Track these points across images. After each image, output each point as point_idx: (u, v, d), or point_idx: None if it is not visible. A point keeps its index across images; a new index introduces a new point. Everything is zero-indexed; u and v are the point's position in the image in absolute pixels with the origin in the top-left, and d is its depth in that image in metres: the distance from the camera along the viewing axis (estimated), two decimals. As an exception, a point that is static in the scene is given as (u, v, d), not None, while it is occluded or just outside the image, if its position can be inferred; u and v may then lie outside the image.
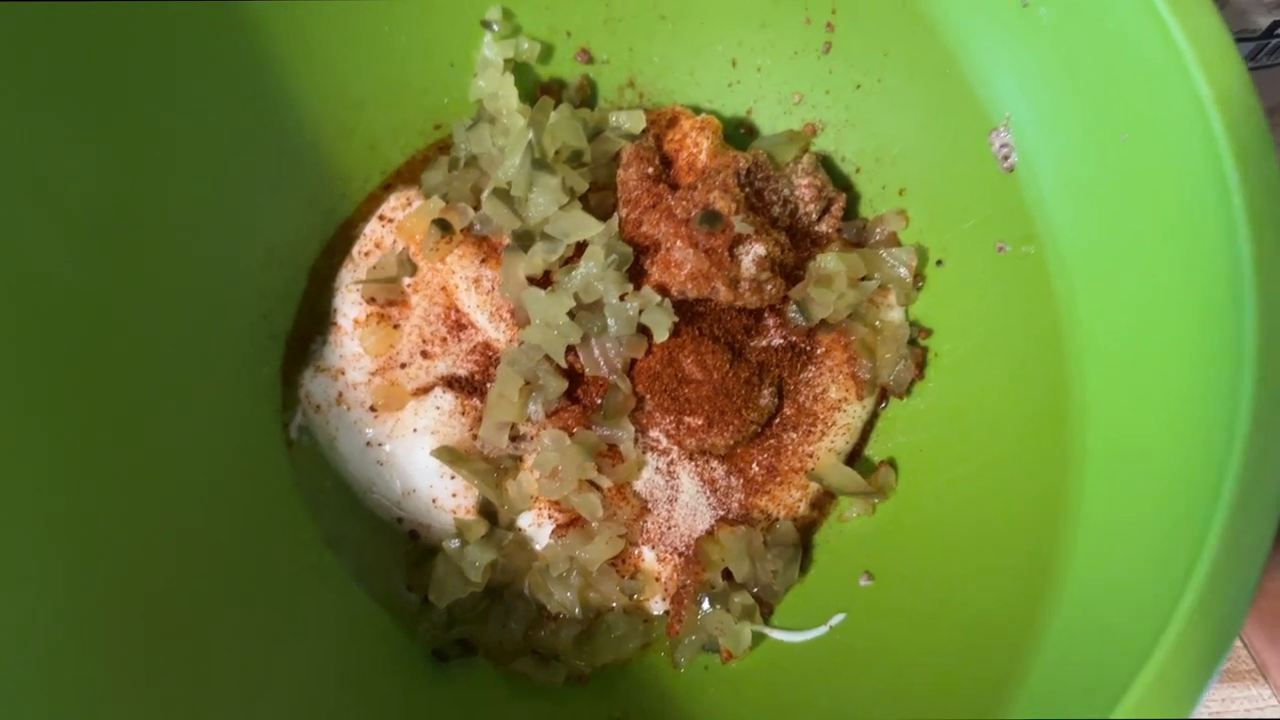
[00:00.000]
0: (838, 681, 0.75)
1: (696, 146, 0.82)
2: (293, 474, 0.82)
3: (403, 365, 0.81)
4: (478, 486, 0.78)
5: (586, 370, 0.77)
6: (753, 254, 0.76)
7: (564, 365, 0.77)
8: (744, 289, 0.76)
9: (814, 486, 0.81)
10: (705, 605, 0.78)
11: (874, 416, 0.84)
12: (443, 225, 0.80)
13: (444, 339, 0.81)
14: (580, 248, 0.77)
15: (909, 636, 0.73)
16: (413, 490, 0.80)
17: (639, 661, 0.80)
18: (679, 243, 0.75)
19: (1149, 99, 0.67)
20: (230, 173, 0.82)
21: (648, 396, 0.77)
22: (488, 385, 0.80)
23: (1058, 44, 0.70)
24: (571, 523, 0.78)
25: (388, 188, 0.89)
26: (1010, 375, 0.76)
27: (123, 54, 0.73)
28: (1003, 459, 0.75)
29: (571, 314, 0.74)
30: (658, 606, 0.80)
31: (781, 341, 0.80)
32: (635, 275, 0.77)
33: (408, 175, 0.90)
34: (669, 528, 0.79)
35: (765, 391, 0.78)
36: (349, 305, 0.83)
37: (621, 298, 0.75)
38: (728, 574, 0.79)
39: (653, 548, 0.79)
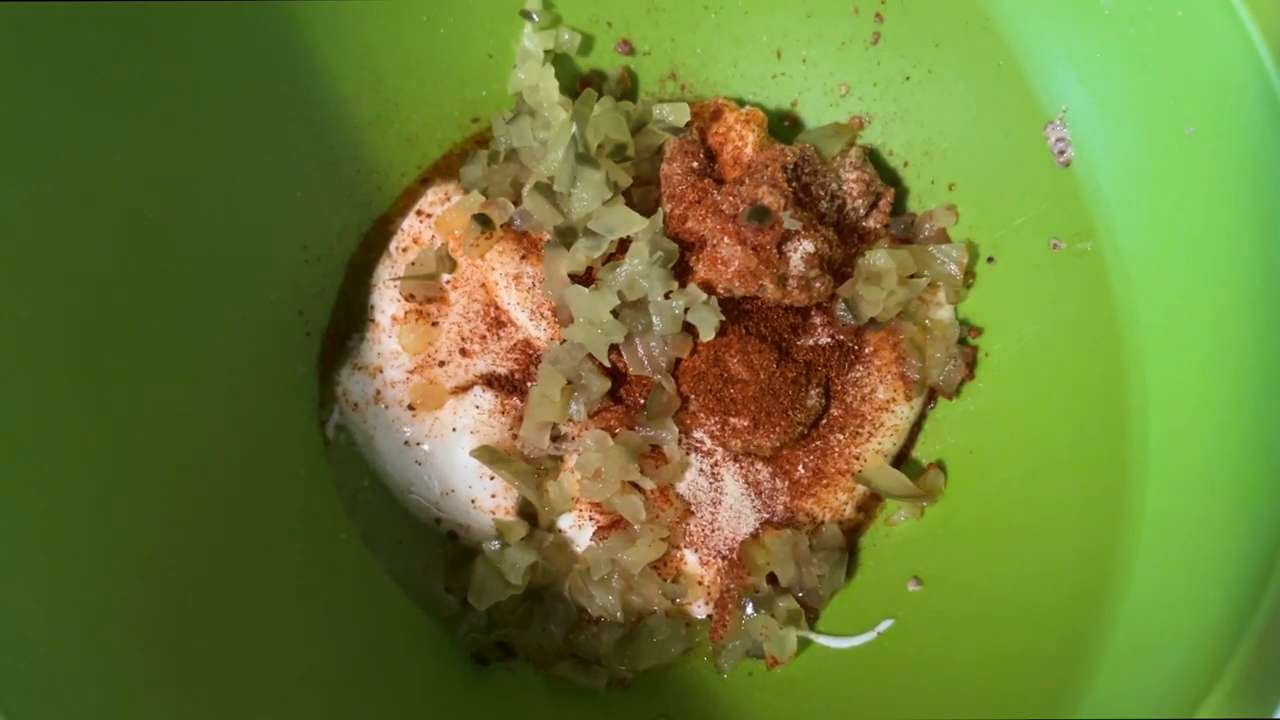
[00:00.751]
0: (887, 688, 0.73)
1: (742, 140, 0.80)
2: (330, 473, 0.81)
3: (441, 363, 0.80)
4: (518, 487, 0.77)
5: (630, 369, 0.75)
6: (801, 251, 0.74)
7: (607, 364, 0.75)
8: (792, 287, 0.74)
9: (860, 489, 0.79)
10: (749, 610, 0.76)
11: (922, 417, 0.82)
12: (483, 220, 0.78)
13: (483, 337, 0.80)
14: (624, 244, 0.75)
15: (960, 642, 0.72)
16: (451, 491, 0.78)
17: (681, 666, 0.79)
18: (726, 239, 0.73)
19: (1217, 91, 0.65)
20: (265, 166, 0.81)
21: (692, 397, 0.76)
22: (528, 384, 0.79)
23: (1121, 34, 0.68)
24: (613, 525, 0.77)
25: (425, 182, 0.88)
26: (1065, 375, 0.74)
27: (159, 48, 0.72)
28: (1056, 461, 0.73)
29: (615, 312, 0.73)
30: (700, 611, 0.78)
31: (829, 340, 0.78)
32: (680, 272, 0.76)
33: (445, 170, 0.88)
34: (712, 531, 0.77)
35: (812, 392, 0.76)
36: (387, 302, 0.81)
37: (666, 295, 0.73)
38: (772, 578, 0.77)
39: (696, 551, 0.77)
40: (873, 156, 0.84)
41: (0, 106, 0.63)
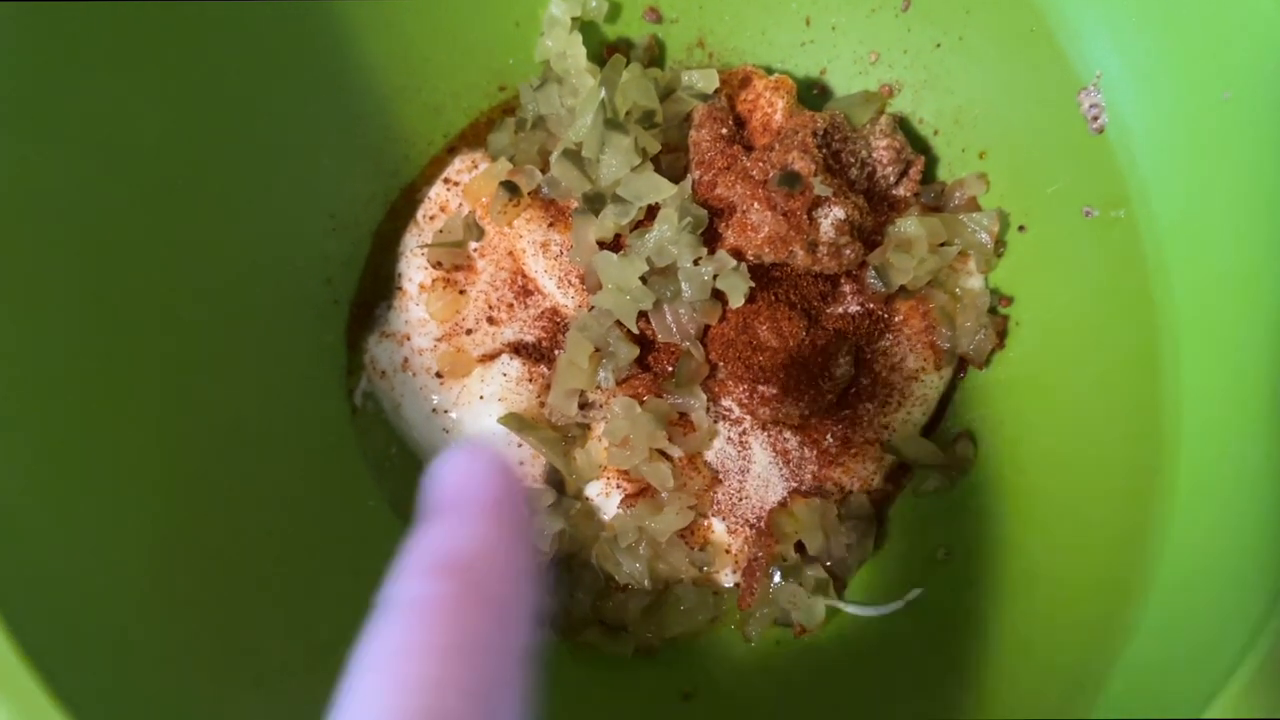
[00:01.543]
0: (916, 657, 0.73)
1: (771, 107, 0.79)
2: (357, 440, 0.82)
3: (468, 331, 0.80)
4: (545, 455, 0.77)
5: (659, 336, 0.75)
6: (831, 217, 0.74)
7: (635, 331, 0.75)
8: (822, 254, 0.74)
9: (889, 459, 0.78)
10: (776, 578, 0.76)
11: (952, 388, 0.81)
12: (511, 187, 0.78)
13: (510, 305, 0.80)
14: (652, 211, 0.75)
15: (990, 612, 0.71)
16: (479, 458, 0.78)
17: (709, 635, 0.79)
18: (756, 205, 0.73)
19: (1257, 54, 0.64)
20: (293, 136, 0.81)
21: (721, 364, 0.75)
22: (555, 352, 0.79)
23: (1157, -3, 0.67)
24: (640, 492, 0.76)
25: (451, 150, 0.87)
26: (1097, 345, 0.73)
27: (188, 15, 0.72)
28: (1088, 433, 0.73)
29: (644, 279, 0.72)
30: (728, 579, 0.78)
31: (858, 308, 0.77)
32: (709, 239, 0.75)
33: (471, 138, 0.88)
34: (740, 499, 0.77)
35: (842, 360, 0.76)
36: (414, 270, 0.81)
37: (696, 262, 0.73)
38: (800, 547, 0.77)
39: (723, 519, 0.77)
40: (902, 124, 0.83)
41: (30, 73, 0.63)
